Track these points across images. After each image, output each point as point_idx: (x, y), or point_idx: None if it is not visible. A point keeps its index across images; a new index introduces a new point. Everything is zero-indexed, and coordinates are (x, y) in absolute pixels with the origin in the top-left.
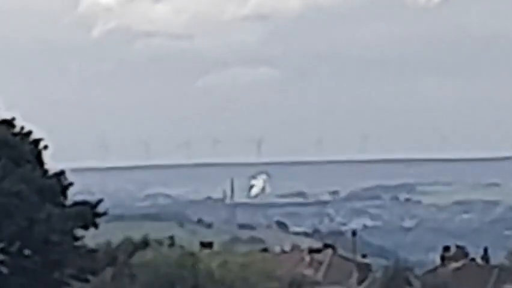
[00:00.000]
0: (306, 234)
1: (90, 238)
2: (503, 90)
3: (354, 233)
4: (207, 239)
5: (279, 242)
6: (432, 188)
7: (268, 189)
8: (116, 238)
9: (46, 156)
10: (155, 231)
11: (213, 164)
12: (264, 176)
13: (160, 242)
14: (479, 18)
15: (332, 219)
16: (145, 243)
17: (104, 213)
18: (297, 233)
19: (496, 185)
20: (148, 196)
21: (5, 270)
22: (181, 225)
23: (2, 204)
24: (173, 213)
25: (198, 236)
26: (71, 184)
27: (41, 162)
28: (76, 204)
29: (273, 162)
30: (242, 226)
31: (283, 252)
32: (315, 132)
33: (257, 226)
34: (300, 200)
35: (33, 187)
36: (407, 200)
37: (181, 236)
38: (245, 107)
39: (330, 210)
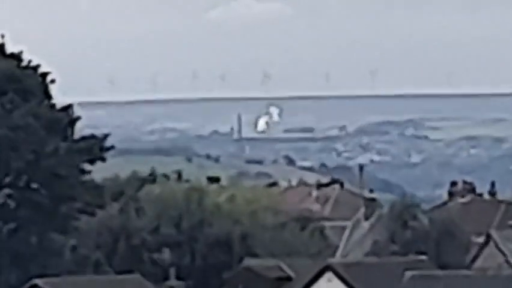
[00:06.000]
0: (313, 169)
1: (97, 172)
2: None
3: (361, 168)
4: (215, 174)
5: (286, 177)
6: (439, 123)
7: (278, 123)
8: (123, 172)
9: (54, 90)
10: (163, 165)
11: (220, 98)
12: (275, 110)
13: (167, 176)
14: None
15: (339, 154)
16: (152, 178)
17: (111, 147)
18: (304, 168)
19: (504, 120)
20: (155, 130)
21: (12, 203)
22: (189, 159)
23: (9, 137)
24: (180, 147)
25: (205, 171)
26: (78, 118)
27: (48, 96)
28: (83, 138)
29: (281, 97)
30: (249, 161)
31: (291, 187)
32: (324, 66)
33: (264, 161)
34: (307, 134)
35: (40, 121)
36: (414, 135)
37: (189, 170)
38: (254, 41)
39: (337, 145)
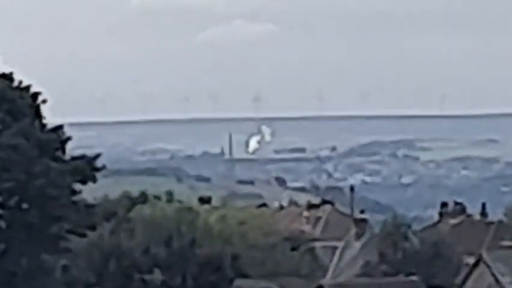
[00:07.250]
0: (304, 190)
1: (88, 193)
2: (504, 45)
3: (352, 189)
4: (205, 194)
5: (277, 198)
6: (431, 144)
7: (269, 143)
8: (114, 193)
9: (44, 110)
10: (154, 186)
11: (211, 119)
12: (267, 130)
13: (158, 197)
14: None
15: (330, 175)
16: (143, 198)
17: (102, 168)
18: (295, 189)
19: (495, 141)
20: (146, 151)
21: (2, 224)
22: (179, 180)
23: (0, 157)
24: (171, 168)
25: (196, 191)
26: (69, 138)
27: (39, 117)
28: (74, 158)
29: (272, 117)
30: (240, 181)
31: (282, 207)
32: (315, 88)
33: (255, 181)
34: (298, 155)
35: (31, 141)
36: (406, 156)
37: (179, 191)
38: (245, 62)
39: (328, 166)
